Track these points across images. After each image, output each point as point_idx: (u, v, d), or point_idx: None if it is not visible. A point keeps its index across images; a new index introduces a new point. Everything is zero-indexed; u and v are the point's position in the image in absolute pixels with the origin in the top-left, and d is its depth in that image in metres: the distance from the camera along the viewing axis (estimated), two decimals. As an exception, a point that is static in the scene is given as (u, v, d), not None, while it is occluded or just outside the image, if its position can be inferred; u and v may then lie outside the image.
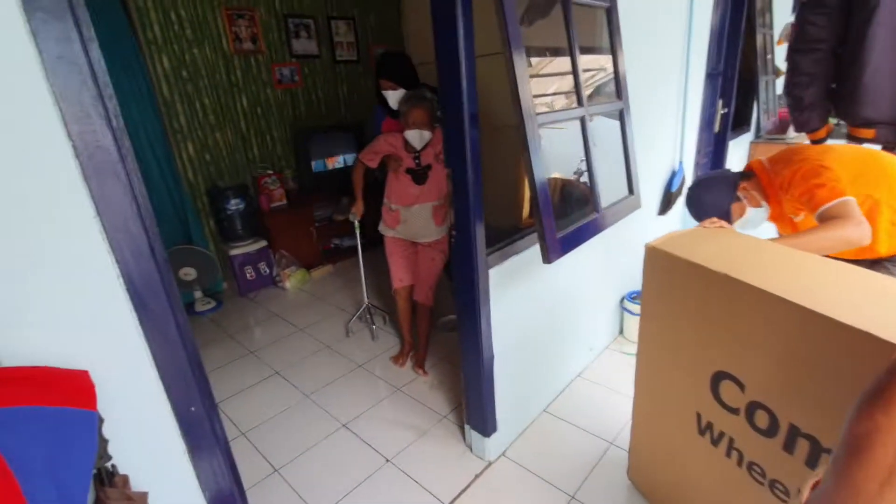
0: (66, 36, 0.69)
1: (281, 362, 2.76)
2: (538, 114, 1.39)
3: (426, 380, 2.52)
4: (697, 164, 3.68)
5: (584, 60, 1.67)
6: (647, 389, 1.56)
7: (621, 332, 2.84)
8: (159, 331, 0.86)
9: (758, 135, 4.82)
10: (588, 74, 1.79)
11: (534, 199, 1.39)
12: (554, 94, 1.77)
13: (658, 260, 1.37)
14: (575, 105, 1.63)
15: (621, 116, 1.87)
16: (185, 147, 3.34)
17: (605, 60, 1.87)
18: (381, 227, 2.50)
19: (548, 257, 1.45)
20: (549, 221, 1.43)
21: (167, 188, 3.27)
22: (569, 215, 1.73)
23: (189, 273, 3.26)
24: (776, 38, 4.28)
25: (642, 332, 1.50)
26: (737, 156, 4.44)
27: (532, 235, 1.84)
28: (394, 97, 2.34)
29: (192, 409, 0.94)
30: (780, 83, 4.50)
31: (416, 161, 2.29)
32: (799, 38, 1.48)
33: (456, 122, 1.42)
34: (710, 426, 1.33)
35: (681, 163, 2.98)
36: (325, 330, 3.09)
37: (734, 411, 1.24)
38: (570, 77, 1.65)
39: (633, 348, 2.71)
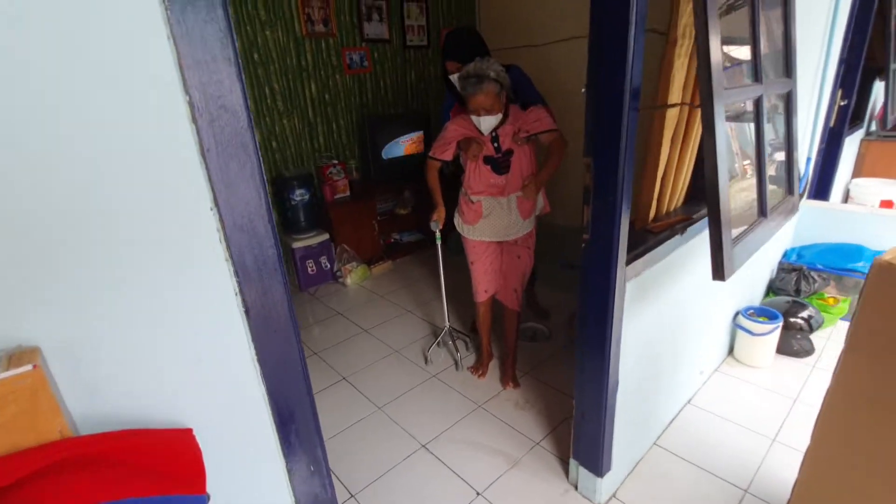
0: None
1: (348, 367, 2.56)
2: (727, 88, 1.08)
3: (514, 396, 2.25)
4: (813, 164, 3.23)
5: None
6: (841, 441, 1.22)
7: (731, 352, 2.47)
8: (281, 371, 0.63)
9: (868, 131, 4.26)
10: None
11: (712, 199, 1.09)
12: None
13: (893, 280, 1.04)
14: (750, 81, 1.30)
15: (788, 100, 1.52)
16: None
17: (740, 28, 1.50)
18: (459, 225, 2.20)
19: (722, 273, 1.14)
20: (728, 228, 1.12)
21: (233, 176, 3.13)
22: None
23: None
24: None
25: (846, 368, 1.17)
26: (848, 154, 3.92)
27: (668, 242, 1.53)
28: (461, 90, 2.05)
29: (311, 468, 0.71)
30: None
31: (496, 146, 1.97)
32: None
33: (612, 98, 1.13)
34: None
35: (808, 160, 2.57)
36: (391, 333, 2.87)
37: None
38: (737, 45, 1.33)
39: (747, 373, 2.38)
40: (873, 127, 4.18)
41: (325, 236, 3.51)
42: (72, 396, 0.47)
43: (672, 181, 1.68)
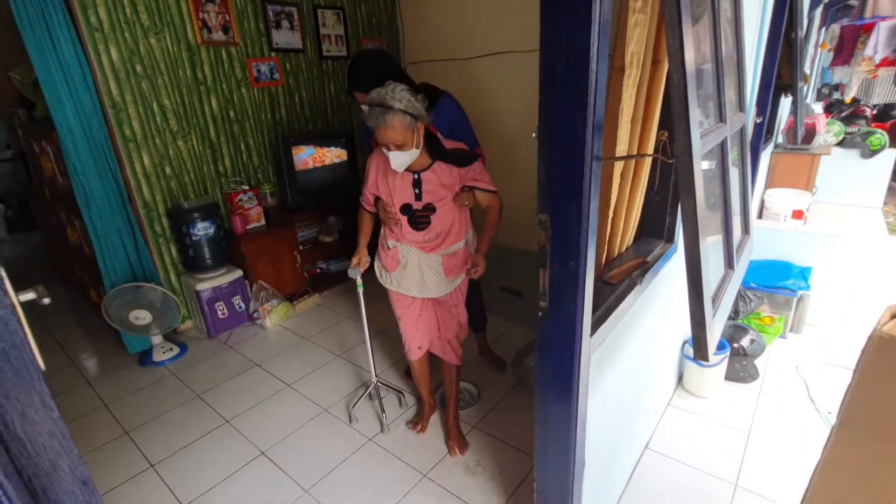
0: None
1: (266, 437, 2.17)
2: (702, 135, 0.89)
3: (463, 459, 1.99)
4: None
5: None
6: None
7: (680, 381, 2.39)
8: None
9: (776, 145, 4.52)
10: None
11: (693, 270, 0.90)
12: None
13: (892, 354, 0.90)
14: (716, 122, 1.14)
15: (742, 135, 1.40)
16: (140, 159, 2.69)
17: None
18: (378, 270, 1.90)
19: (706, 353, 0.96)
20: (710, 304, 0.93)
21: (113, 210, 2.62)
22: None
23: (142, 317, 2.62)
24: (811, 42, 3.95)
25: (839, 444, 1.03)
26: (762, 167, 4.11)
27: (628, 297, 1.35)
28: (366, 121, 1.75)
29: None
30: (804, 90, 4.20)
31: (417, 192, 1.66)
32: None
33: (569, 144, 0.91)
34: None
35: (740, 182, 2.57)
36: (317, 386, 2.51)
37: None
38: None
39: (698, 404, 2.29)
40: (780, 140, 4.44)
41: (238, 273, 3.06)
42: None
43: (623, 220, 1.52)
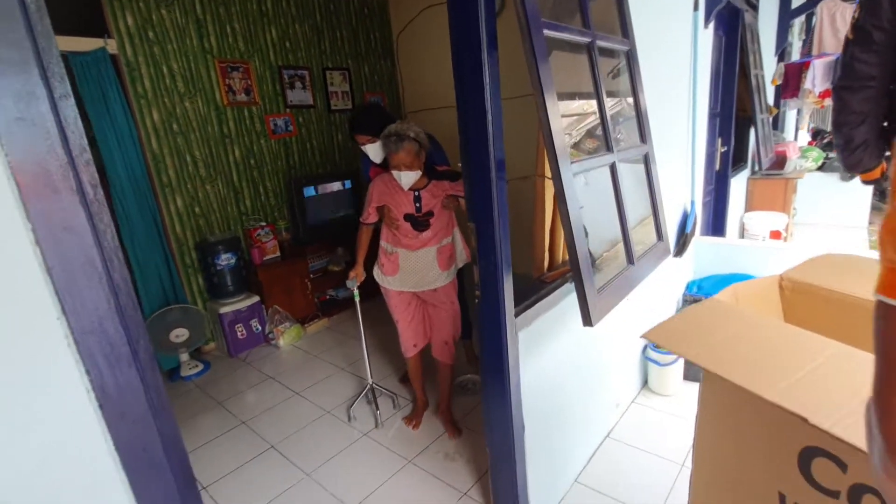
0: (29, 91, 0.54)
1: (277, 433, 2.50)
2: (574, 161, 1.26)
3: (444, 447, 2.27)
4: (704, 204, 3.61)
5: (574, 106, 1.56)
6: (711, 460, 1.36)
7: (646, 383, 2.64)
8: (143, 459, 0.67)
9: (753, 171, 4.82)
10: (570, 120, 1.67)
11: (573, 256, 1.24)
12: (574, 140, 1.66)
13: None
14: (603, 151, 1.51)
15: (646, 160, 1.76)
16: (174, 201, 3.18)
17: (590, 105, 1.74)
18: (377, 275, 2.29)
19: (590, 319, 1.29)
20: (589, 281, 1.27)
21: (152, 244, 3.08)
22: (600, 269, 1.58)
23: (181, 334, 3.03)
24: (768, 78, 4.34)
25: (705, 390, 1.32)
26: (738, 191, 4.42)
27: (559, 290, 1.68)
28: (373, 150, 2.22)
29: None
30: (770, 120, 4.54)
31: (418, 206, 2.11)
32: (847, 76, 1.39)
33: (481, 172, 1.28)
34: (797, 513, 1.13)
35: (693, 202, 2.89)
36: (323, 393, 2.84)
37: (833, 494, 1.04)
38: (584, 121, 1.55)
39: (660, 401, 2.56)
40: (756, 167, 4.75)
41: (255, 299, 3.47)
42: None
43: (560, 234, 1.86)
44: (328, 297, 4.05)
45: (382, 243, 2.24)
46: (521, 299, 1.54)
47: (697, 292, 3.07)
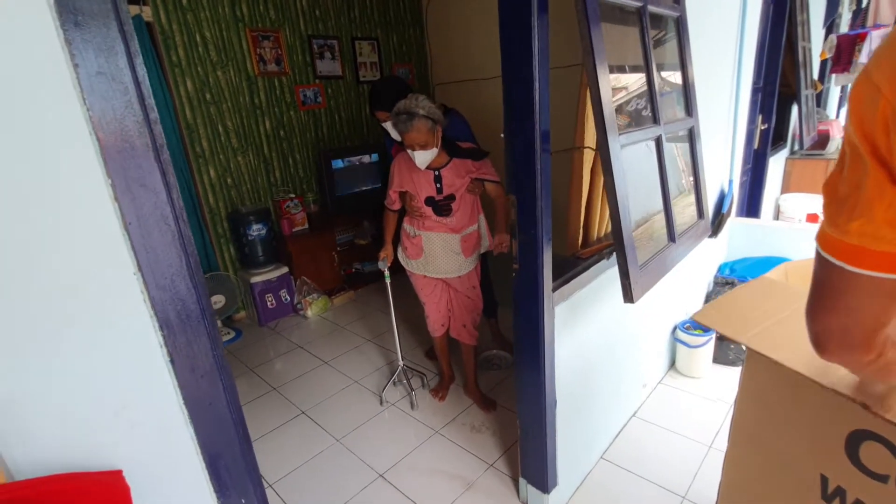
0: (109, 47, 0.54)
1: (307, 400, 2.57)
2: (622, 133, 1.23)
3: (470, 419, 2.31)
4: (740, 184, 3.50)
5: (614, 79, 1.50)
6: (748, 441, 1.35)
7: (673, 364, 2.62)
8: (209, 413, 0.69)
9: (793, 150, 4.64)
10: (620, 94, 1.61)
11: (617, 231, 1.22)
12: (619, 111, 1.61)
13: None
14: (650, 123, 1.46)
15: (691, 135, 1.70)
16: (207, 171, 3.23)
17: (629, 79, 1.66)
18: (402, 257, 2.25)
19: (631, 296, 1.27)
20: (633, 256, 1.25)
21: (188, 214, 3.14)
22: (638, 246, 1.55)
23: (219, 301, 3.12)
24: (816, 51, 4.12)
25: (749, 369, 1.30)
26: (775, 172, 4.26)
27: (596, 266, 1.66)
28: (393, 127, 2.14)
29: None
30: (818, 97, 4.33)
31: (438, 186, 2.02)
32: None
33: (526, 143, 1.26)
34: (840, 493, 1.12)
35: (731, 182, 2.80)
36: (351, 364, 2.90)
37: (881, 478, 1.02)
38: (631, 93, 1.50)
39: (688, 383, 2.54)
40: (797, 146, 4.56)
41: (285, 269, 3.53)
42: (9, 445, 0.53)
43: (598, 210, 1.83)
44: (354, 270, 4.09)
45: (405, 226, 2.20)
46: (557, 274, 1.53)
47: (730, 275, 3.01)
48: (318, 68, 3.63)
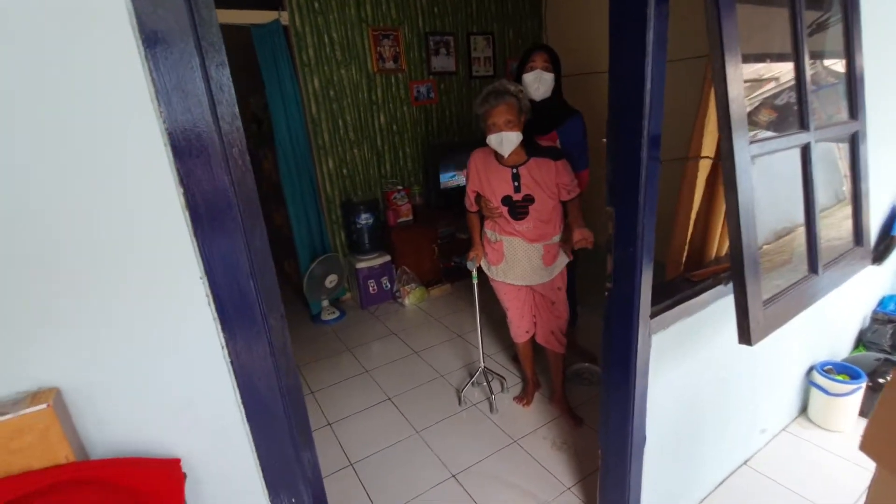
0: (185, 62, 0.57)
1: (394, 387, 2.66)
2: (754, 141, 1.03)
3: (552, 434, 2.20)
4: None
5: (751, 70, 1.23)
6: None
7: (804, 410, 2.22)
8: (265, 414, 0.72)
9: None
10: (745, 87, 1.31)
11: (737, 257, 1.03)
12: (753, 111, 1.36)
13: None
14: (796, 129, 1.21)
15: (853, 141, 1.38)
16: (326, 162, 3.48)
17: (771, 69, 1.35)
18: (486, 266, 2.17)
19: (749, 337, 1.07)
20: (755, 290, 1.05)
21: (308, 201, 3.42)
22: (765, 275, 1.31)
23: (333, 280, 3.39)
24: None
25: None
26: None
27: (711, 291, 1.44)
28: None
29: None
30: None
31: (516, 184, 1.89)
32: None
33: (630, 148, 1.12)
34: None
35: (906, 201, 2.26)
36: (439, 357, 2.94)
37: None
38: (759, 89, 1.25)
39: (822, 436, 2.12)
40: None
41: (387, 258, 3.68)
42: (85, 428, 0.60)
43: (719, 224, 1.59)
44: (452, 263, 4.13)
45: (486, 230, 2.12)
46: (657, 298, 1.36)
47: (895, 311, 2.45)
48: (433, 64, 3.69)
